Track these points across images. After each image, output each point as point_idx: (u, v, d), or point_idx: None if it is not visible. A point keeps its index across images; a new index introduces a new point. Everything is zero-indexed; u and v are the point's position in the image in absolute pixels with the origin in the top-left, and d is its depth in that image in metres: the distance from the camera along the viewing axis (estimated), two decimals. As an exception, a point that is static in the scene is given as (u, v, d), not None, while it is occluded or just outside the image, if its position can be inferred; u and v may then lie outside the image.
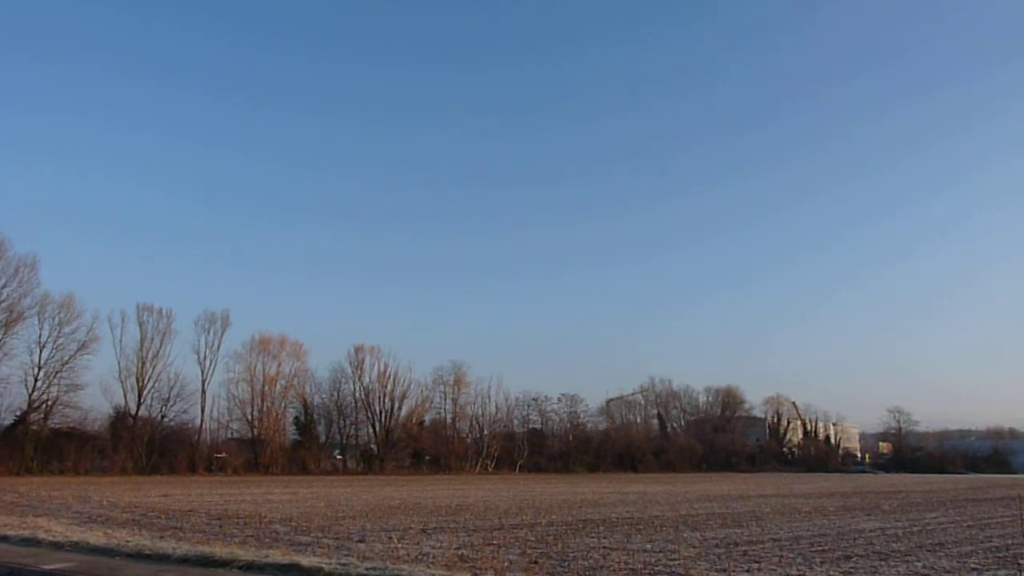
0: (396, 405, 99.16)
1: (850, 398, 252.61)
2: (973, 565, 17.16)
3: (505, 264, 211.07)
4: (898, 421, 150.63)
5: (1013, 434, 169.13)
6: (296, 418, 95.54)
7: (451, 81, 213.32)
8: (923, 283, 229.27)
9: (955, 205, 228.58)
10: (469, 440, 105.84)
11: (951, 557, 18.50)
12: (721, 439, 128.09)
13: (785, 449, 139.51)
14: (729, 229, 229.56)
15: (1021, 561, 17.01)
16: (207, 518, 27.39)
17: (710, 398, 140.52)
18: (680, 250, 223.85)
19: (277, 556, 15.68)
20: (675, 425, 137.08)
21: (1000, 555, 18.90)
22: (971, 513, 34.49)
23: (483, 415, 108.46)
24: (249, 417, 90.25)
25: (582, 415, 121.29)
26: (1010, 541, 21.84)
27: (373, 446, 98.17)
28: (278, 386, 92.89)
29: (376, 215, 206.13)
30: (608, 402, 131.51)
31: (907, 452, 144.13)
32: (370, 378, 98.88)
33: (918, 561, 17.71)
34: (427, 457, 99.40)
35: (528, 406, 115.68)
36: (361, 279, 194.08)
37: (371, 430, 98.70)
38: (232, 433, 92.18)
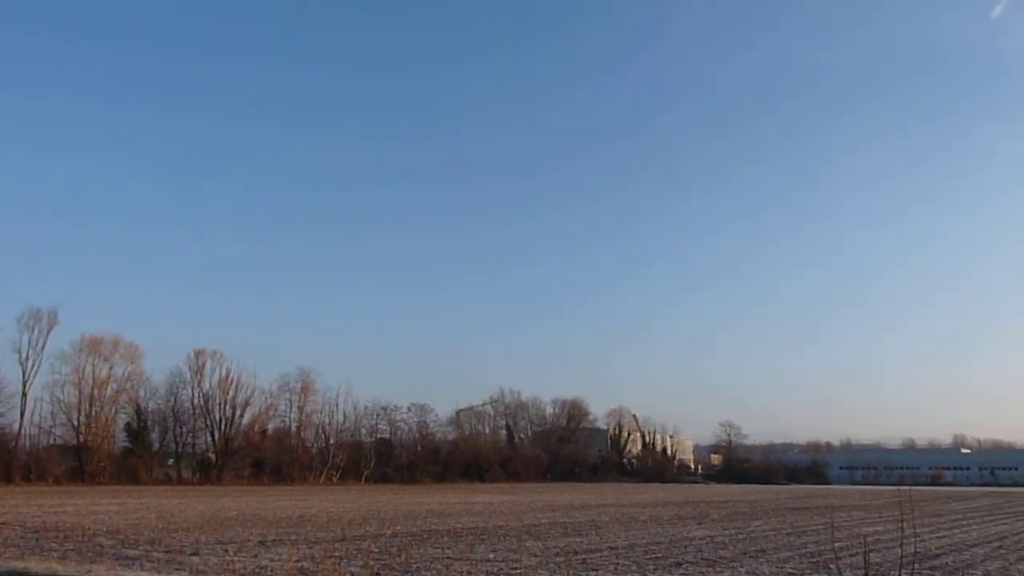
0: (238, 412, 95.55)
1: (686, 412, 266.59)
2: (790, 570, 18.44)
3: (358, 273, 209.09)
4: (729, 435, 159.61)
5: (829, 448, 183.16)
6: (128, 424, 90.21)
7: (306, 85, 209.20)
8: (743, 302, 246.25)
9: (762, 228, 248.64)
10: (314, 449, 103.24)
11: (771, 563, 19.80)
12: (566, 450, 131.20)
13: (625, 460, 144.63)
14: (582, 246, 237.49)
15: (831, 566, 18.43)
16: (23, 531, 25.38)
17: (557, 409, 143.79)
18: (531, 265, 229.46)
19: (101, 571, 14.79)
20: (523, 436, 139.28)
21: (814, 560, 20.40)
22: (790, 521, 36.99)
23: (330, 424, 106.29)
24: (75, 422, 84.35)
25: (431, 425, 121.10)
26: (823, 547, 23.57)
27: (211, 455, 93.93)
28: (109, 390, 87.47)
29: (225, 217, 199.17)
30: (458, 412, 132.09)
31: (736, 464, 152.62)
32: (211, 384, 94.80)
33: (742, 567, 18.84)
34: (269, 467, 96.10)
35: (377, 415, 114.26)
36: (205, 281, 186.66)
37: (210, 438, 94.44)
38: (55, 439, 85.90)
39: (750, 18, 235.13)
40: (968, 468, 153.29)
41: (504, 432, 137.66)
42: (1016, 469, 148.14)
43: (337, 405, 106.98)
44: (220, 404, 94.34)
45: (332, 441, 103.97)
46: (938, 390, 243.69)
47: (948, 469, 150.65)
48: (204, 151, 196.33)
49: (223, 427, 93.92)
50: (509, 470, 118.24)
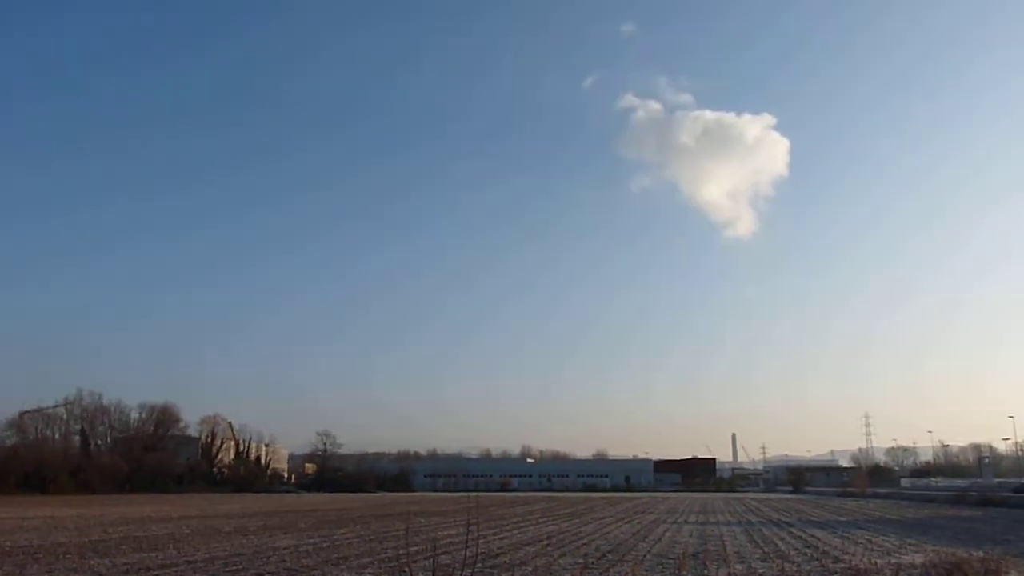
0: None
1: (285, 420, 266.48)
2: (369, 574, 19.41)
3: None
4: (324, 444, 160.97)
5: (417, 457, 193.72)
6: None
7: None
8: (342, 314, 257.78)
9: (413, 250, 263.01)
10: None
11: (352, 569, 20.62)
12: (150, 459, 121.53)
13: (215, 469, 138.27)
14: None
15: (406, 569, 19.76)
16: None
17: (144, 415, 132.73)
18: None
19: None
20: (100, 442, 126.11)
21: (391, 564, 21.65)
22: (374, 528, 38.58)
23: None
24: None
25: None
26: (401, 552, 25.05)
27: None
28: None
29: None
30: (22, 415, 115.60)
31: (330, 473, 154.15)
32: None
33: (322, 574, 19.37)
34: None
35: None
36: None
37: None
38: None
39: (391, 55, 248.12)
40: (531, 476, 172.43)
41: (78, 438, 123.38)
42: (568, 476, 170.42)
43: None
44: None
45: None
46: (511, 406, 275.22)
47: (515, 477, 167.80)
48: None
49: None
50: (80, 480, 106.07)
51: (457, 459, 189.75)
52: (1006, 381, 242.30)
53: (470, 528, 27.01)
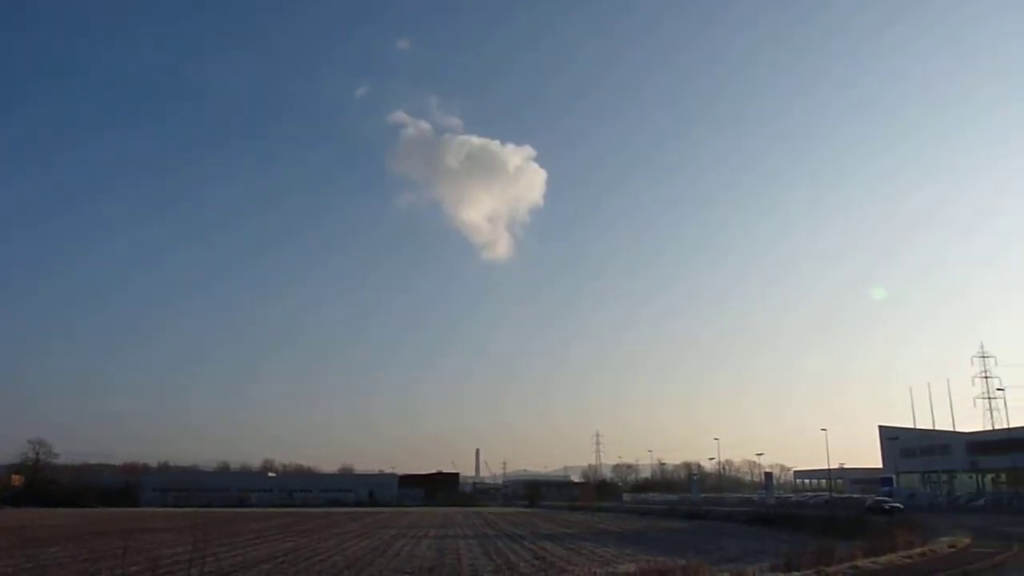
0: None
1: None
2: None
3: None
4: (37, 452, 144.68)
5: (147, 469, 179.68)
6: None
7: None
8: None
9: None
10: None
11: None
12: None
13: None
14: None
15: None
16: None
17: None
18: None
19: None
20: None
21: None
22: (90, 546, 35.56)
23: None
24: None
25: None
26: (118, 572, 23.41)
27: None
28: None
29: None
30: None
31: (41, 485, 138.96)
32: None
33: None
34: None
35: None
36: None
37: None
38: None
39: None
40: (272, 491, 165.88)
41: None
42: (311, 491, 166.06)
43: None
44: None
45: None
46: (255, 419, 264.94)
47: (254, 491, 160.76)
48: None
49: None
50: None
51: (191, 472, 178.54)
52: (713, 408, 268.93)
53: (197, 546, 25.90)
